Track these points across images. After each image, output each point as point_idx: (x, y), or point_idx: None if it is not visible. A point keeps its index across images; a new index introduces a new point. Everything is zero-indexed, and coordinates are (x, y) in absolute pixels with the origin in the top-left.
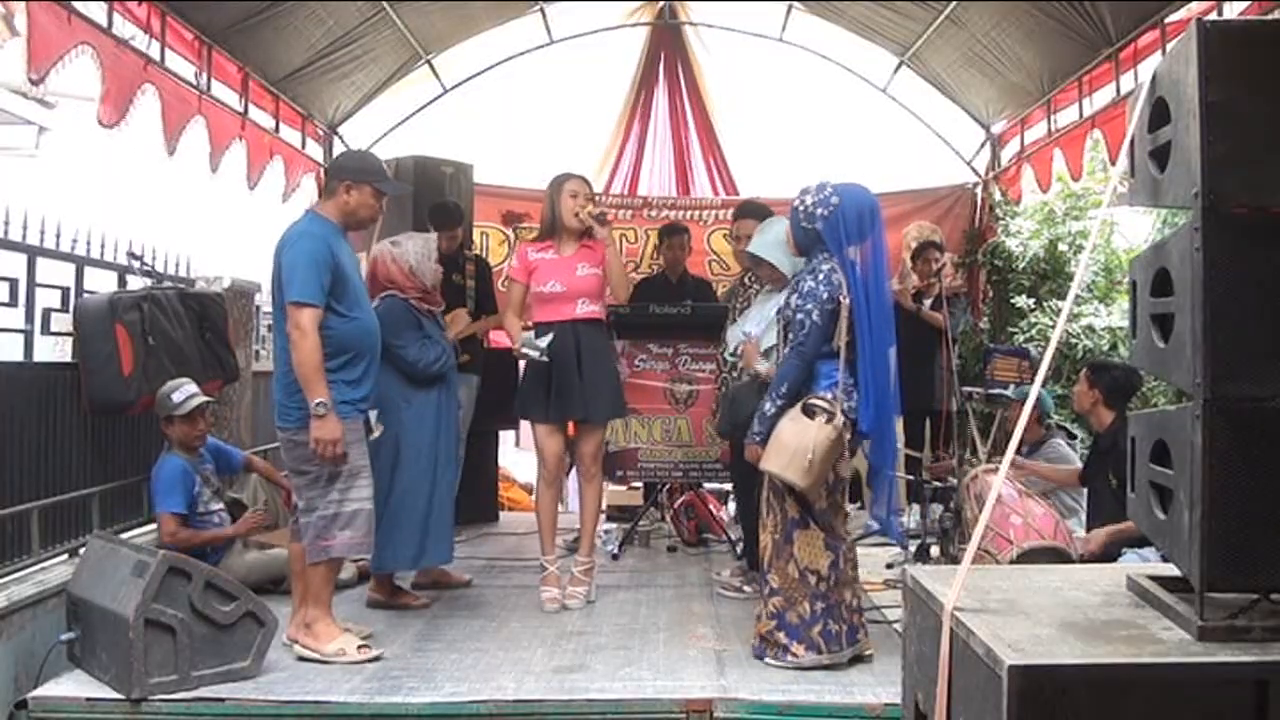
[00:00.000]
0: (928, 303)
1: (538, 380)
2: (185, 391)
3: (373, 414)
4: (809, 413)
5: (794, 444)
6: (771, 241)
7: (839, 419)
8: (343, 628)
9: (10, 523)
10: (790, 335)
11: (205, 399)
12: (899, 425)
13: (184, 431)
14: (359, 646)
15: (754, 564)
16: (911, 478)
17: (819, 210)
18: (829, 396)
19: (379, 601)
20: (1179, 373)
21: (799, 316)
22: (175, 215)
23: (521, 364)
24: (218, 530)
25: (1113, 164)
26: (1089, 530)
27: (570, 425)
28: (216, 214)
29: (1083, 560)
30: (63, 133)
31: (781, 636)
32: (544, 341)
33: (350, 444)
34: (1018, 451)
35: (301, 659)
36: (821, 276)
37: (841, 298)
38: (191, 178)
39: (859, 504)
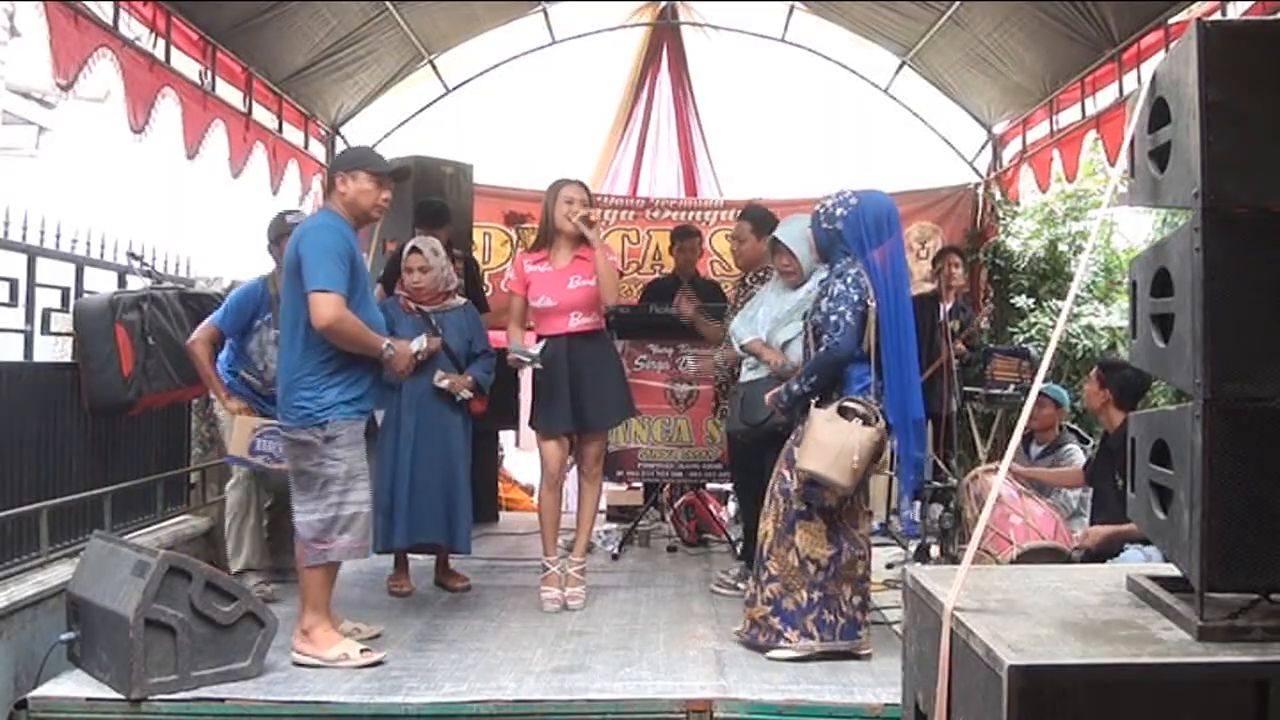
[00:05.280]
0: (946, 307)
1: (540, 393)
2: (298, 215)
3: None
4: (845, 415)
5: (835, 445)
6: (796, 234)
7: (880, 422)
8: (353, 627)
9: (12, 524)
10: (824, 337)
11: None
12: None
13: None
14: (361, 650)
15: (751, 563)
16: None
17: (839, 210)
18: (864, 400)
19: (404, 591)
20: (1179, 373)
21: (832, 319)
22: (175, 214)
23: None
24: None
25: (1111, 164)
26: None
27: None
28: (206, 211)
29: (1079, 550)
30: (63, 133)
31: (776, 622)
32: (535, 349)
33: (349, 446)
34: (1026, 450)
35: (300, 665)
36: (850, 280)
37: (870, 301)
38: (181, 173)
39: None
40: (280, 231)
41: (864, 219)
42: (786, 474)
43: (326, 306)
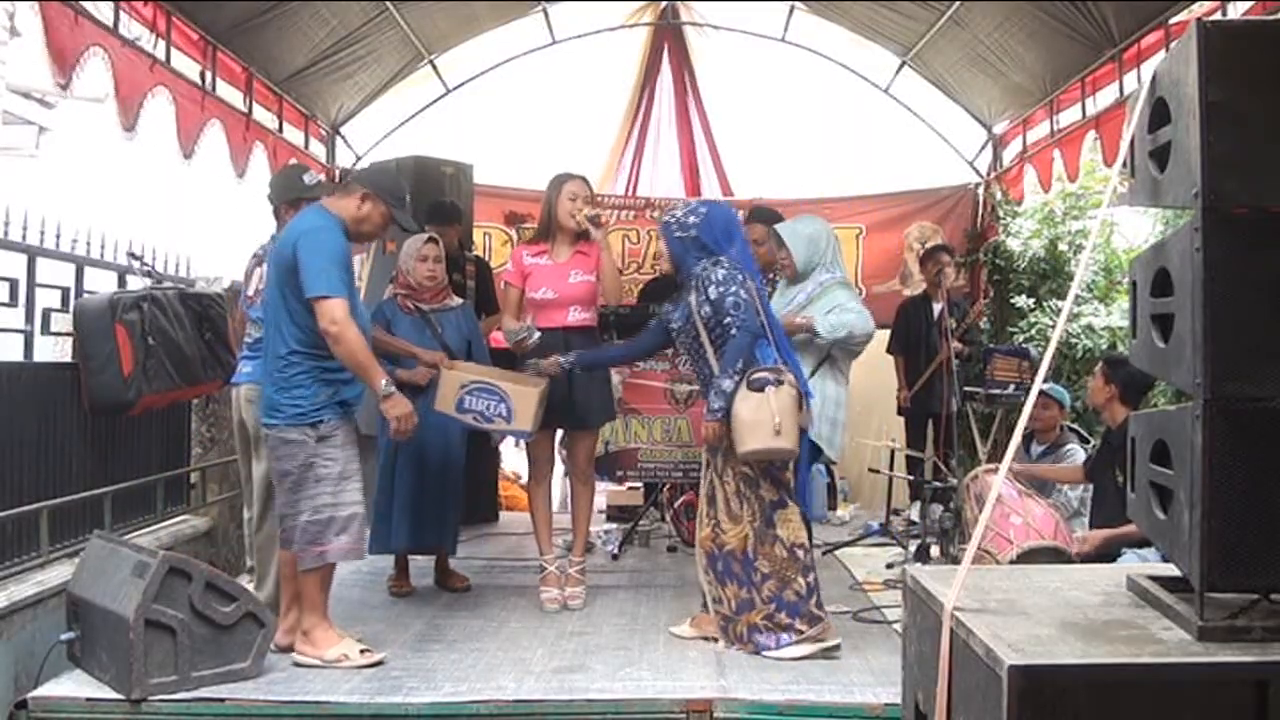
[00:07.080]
0: (937, 307)
1: None
2: (315, 175)
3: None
4: (758, 388)
5: (755, 418)
6: (802, 232)
7: (788, 376)
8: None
9: (12, 524)
10: (728, 320)
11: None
12: (901, 426)
13: None
14: (362, 650)
15: None
16: (912, 478)
17: (691, 219)
18: (769, 366)
19: (404, 591)
20: (1179, 373)
21: (728, 301)
22: (175, 214)
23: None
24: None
25: (1108, 165)
26: (1091, 527)
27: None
28: (206, 211)
29: (1079, 558)
30: (63, 133)
31: (783, 617)
32: (526, 320)
33: (343, 445)
34: (1027, 449)
35: (300, 666)
36: (723, 272)
37: (748, 281)
38: (181, 173)
39: (857, 504)
40: (296, 193)
41: (715, 225)
42: (748, 470)
43: (334, 311)
